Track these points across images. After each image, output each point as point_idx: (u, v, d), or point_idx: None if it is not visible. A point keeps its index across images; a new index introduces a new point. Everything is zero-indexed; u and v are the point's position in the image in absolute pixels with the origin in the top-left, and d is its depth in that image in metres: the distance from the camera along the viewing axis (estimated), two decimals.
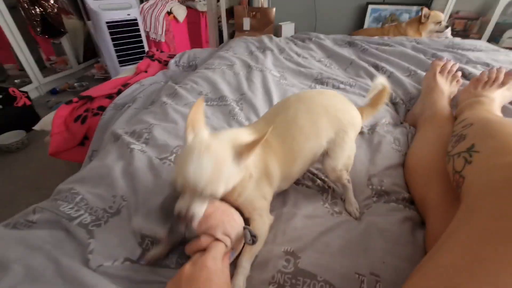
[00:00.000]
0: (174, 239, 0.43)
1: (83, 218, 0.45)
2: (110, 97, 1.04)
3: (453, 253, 0.28)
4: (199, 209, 0.36)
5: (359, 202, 0.56)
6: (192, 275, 0.33)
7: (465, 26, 2.40)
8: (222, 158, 0.36)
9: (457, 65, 0.89)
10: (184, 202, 0.35)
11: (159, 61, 1.36)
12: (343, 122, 0.52)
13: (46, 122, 0.98)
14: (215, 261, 0.35)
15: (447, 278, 0.26)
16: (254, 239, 0.40)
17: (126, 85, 1.10)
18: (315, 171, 0.62)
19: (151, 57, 1.36)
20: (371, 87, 0.58)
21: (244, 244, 0.42)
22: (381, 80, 0.58)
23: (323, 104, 0.51)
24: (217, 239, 0.39)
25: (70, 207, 0.47)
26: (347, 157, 0.53)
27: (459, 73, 0.86)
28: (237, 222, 0.42)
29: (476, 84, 0.76)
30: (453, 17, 2.34)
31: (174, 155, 0.60)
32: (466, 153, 0.43)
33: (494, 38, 2.32)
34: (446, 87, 0.81)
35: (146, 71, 1.23)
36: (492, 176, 0.35)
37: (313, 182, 0.59)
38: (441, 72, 0.85)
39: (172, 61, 1.31)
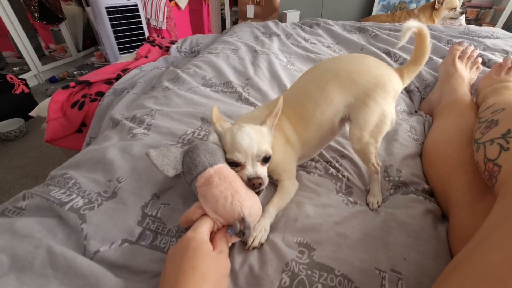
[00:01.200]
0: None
1: (75, 202, 0.42)
2: (109, 82, 0.99)
3: (504, 251, 0.24)
4: (263, 171, 0.43)
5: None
6: (174, 249, 0.34)
7: (478, 15, 2.32)
8: (259, 129, 0.45)
9: (478, 51, 0.83)
10: (249, 169, 0.42)
11: (160, 47, 1.30)
12: (361, 84, 0.47)
13: (42, 108, 0.94)
14: (195, 231, 0.35)
15: (499, 279, 0.23)
16: (242, 233, 0.37)
17: (125, 70, 1.05)
18: (329, 158, 0.58)
19: (152, 42, 1.31)
20: (401, 32, 0.49)
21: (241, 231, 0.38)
22: (413, 23, 0.47)
23: (334, 68, 0.50)
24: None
25: (62, 192, 0.43)
26: (375, 124, 0.47)
27: (480, 59, 0.81)
28: (243, 205, 0.39)
29: (499, 70, 0.71)
30: (465, 5, 2.25)
31: (180, 144, 0.56)
32: (501, 139, 0.39)
33: (508, 27, 2.23)
34: (466, 73, 0.76)
35: (146, 57, 1.18)
36: None
37: (325, 171, 0.55)
38: (461, 57, 0.79)
39: (173, 47, 1.25)
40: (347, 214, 0.46)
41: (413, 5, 2.36)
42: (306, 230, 0.43)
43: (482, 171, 0.40)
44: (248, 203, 0.39)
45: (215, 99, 0.72)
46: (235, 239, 0.39)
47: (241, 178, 0.42)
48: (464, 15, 1.62)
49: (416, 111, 0.80)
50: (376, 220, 0.46)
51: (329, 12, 2.54)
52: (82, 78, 0.98)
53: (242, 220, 0.37)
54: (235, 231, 0.36)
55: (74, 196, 0.43)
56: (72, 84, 0.94)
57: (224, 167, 0.41)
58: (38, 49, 2.50)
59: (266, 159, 0.43)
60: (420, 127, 0.69)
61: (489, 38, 1.17)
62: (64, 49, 2.61)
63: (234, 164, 0.42)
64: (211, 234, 0.38)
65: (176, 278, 0.30)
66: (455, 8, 1.56)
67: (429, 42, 0.50)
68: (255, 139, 0.42)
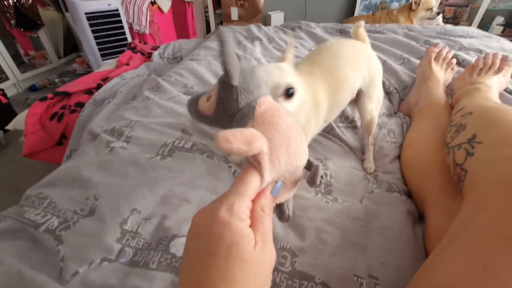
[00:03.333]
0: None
1: (50, 223, 0.41)
2: (89, 92, 0.97)
3: (459, 260, 0.25)
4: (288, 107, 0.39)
5: (359, 194, 0.52)
6: (195, 231, 0.22)
7: (455, 13, 2.39)
8: (277, 65, 0.41)
9: (452, 52, 0.86)
10: None
11: (142, 53, 1.29)
12: (373, 65, 0.59)
13: (19, 121, 0.92)
14: (231, 212, 0.21)
15: None
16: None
17: (106, 79, 1.03)
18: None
19: (133, 49, 1.29)
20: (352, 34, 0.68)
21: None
22: (358, 23, 0.66)
23: (360, 48, 0.59)
24: (253, 164, 0.24)
25: (37, 213, 0.42)
26: (378, 98, 0.61)
27: (454, 60, 0.84)
28: (300, 152, 0.26)
29: (472, 71, 0.73)
30: (443, 4, 2.32)
31: (160, 156, 0.55)
32: (467, 144, 0.40)
33: (484, 25, 2.31)
34: (442, 75, 0.79)
35: (128, 64, 1.16)
36: (498, 169, 0.32)
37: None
38: (436, 59, 0.82)
39: (155, 53, 1.24)
40: (327, 217, 0.47)
41: (395, 4, 2.42)
42: (288, 232, 0.43)
43: (452, 174, 0.42)
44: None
45: None
46: (279, 199, 0.27)
47: None
48: (441, 15, 1.67)
49: (395, 112, 0.82)
50: (357, 224, 0.47)
51: (313, 13, 2.56)
52: (60, 89, 0.96)
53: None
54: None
55: (49, 216, 0.42)
56: (50, 95, 0.92)
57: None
58: (16, 57, 2.42)
59: (289, 93, 0.39)
60: (398, 129, 0.71)
61: (465, 37, 1.21)
62: (44, 56, 2.53)
63: None
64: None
65: None
66: (431, 9, 1.61)
67: (364, 33, 0.67)
68: (273, 72, 0.39)
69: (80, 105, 0.92)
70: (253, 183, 0.23)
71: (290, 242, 0.42)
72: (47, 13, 2.47)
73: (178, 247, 0.39)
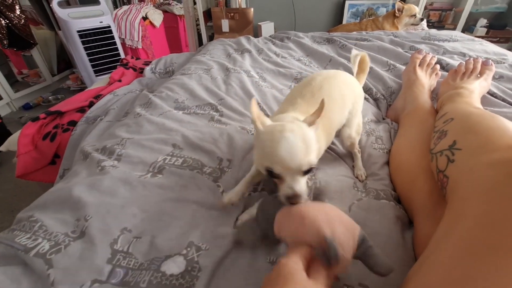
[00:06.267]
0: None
1: (41, 247, 0.41)
2: (82, 110, 0.98)
3: (440, 270, 0.26)
4: (302, 185, 0.38)
5: (348, 202, 0.53)
6: (268, 276, 0.29)
7: (440, 17, 2.46)
8: (304, 133, 0.38)
9: (436, 58, 0.88)
10: (288, 185, 0.37)
11: (134, 69, 1.30)
12: (356, 93, 0.62)
13: (12, 142, 0.92)
14: (288, 257, 0.30)
15: None
16: (328, 257, 0.29)
17: (98, 96, 1.04)
18: None
19: (125, 65, 1.30)
20: (351, 61, 0.69)
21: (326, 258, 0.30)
22: (355, 52, 0.69)
23: (343, 80, 0.61)
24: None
25: (27, 237, 0.42)
26: (357, 124, 0.63)
27: (438, 66, 0.86)
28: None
29: (455, 76, 0.76)
30: (428, 8, 2.39)
31: (151, 173, 0.56)
32: (448, 151, 0.41)
33: (469, 28, 2.38)
34: (426, 80, 0.81)
35: (120, 80, 1.17)
36: (476, 176, 0.33)
37: None
38: (421, 65, 0.84)
39: (147, 68, 1.26)
40: None
41: (383, 10, 2.48)
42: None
43: (436, 180, 0.43)
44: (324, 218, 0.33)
45: (187, 122, 0.73)
46: (340, 270, 0.32)
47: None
48: (425, 21, 1.72)
49: (383, 118, 0.84)
50: None
51: (302, 22, 2.62)
52: (53, 109, 0.96)
53: (325, 240, 0.30)
54: (319, 255, 0.30)
55: (40, 240, 0.42)
56: (42, 115, 0.93)
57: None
58: (10, 76, 2.43)
59: (308, 170, 0.38)
60: (386, 135, 0.72)
61: (448, 41, 1.24)
62: (37, 74, 2.54)
63: (272, 173, 0.38)
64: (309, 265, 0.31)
65: None
66: (415, 15, 1.65)
67: (368, 61, 0.72)
68: (300, 150, 0.36)
69: (73, 123, 0.92)
70: (300, 247, 0.32)
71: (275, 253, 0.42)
72: (40, 32, 2.50)
73: (169, 265, 0.39)
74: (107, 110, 0.91)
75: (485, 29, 2.28)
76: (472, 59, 0.77)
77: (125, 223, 0.44)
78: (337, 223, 0.32)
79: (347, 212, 0.51)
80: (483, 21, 2.27)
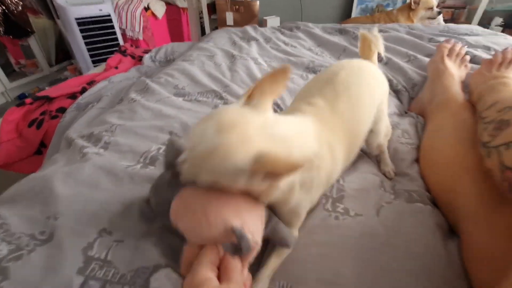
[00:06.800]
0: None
1: None
2: (73, 97, 0.90)
3: None
4: None
5: (373, 205, 0.44)
6: None
7: (453, 15, 2.37)
8: (226, 153, 0.25)
9: (466, 48, 0.80)
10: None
11: (133, 57, 1.22)
12: (384, 90, 0.51)
13: None
14: (192, 274, 0.26)
15: None
16: (238, 249, 0.26)
17: (92, 82, 0.96)
18: None
19: (123, 52, 1.22)
20: (360, 38, 0.57)
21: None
22: (362, 31, 0.57)
23: (372, 74, 0.49)
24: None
25: None
26: (386, 126, 0.52)
27: (468, 57, 0.78)
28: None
29: (489, 66, 0.67)
30: (440, 6, 2.30)
31: (141, 164, 0.47)
32: None
33: (483, 26, 2.28)
34: (456, 71, 0.73)
35: (117, 68, 1.09)
36: None
37: None
38: (449, 55, 0.76)
39: (147, 56, 1.17)
40: (337, 239, 0.39)
41: (391, 8, 2.39)
42: (287, 265, 0.35)
43: (498, 180, 0.34)
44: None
45: (187, 109, 0.64)
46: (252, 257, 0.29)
47: None
48: (441, 15, 1.64)
49: (406, 112, 0.75)
50: (376, 241, 0.39)
51: (309, 18, 2.53)
52: (41, 93, 0.88)
53: (232, 232, 0.26)
54: (229, 250, 0.27)
55: None
56: (28, 100, 0.84)
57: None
58: (7, 66, 2.35)
59: None
60: (413, 129, 0.64)
61: (469, 35, 1.16)
62: (35, 64, 2.46)
63: None
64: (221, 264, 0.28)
65: None
66: (432, 8, 1.57)
67: (380, 39, 0.57)
68: (205, 143, 0.27)
69: (62, 110, 0.84)
70: (206, 252, 0.28)
71: (289, 279, 0.34)
72: (39, 21, 2.42)
73: (161, 281, 0.30)
74: (100, 97, 0.83)
75: (500, 28, 2.19)
76: (510, 48, 0.68)
77: (104, 223, 0.35)
78: (244, 208, 0.28)
79: (375, 217, 0.42)
80: (498, 20, 2.18)
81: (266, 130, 0.28)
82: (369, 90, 0.46)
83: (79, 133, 0.58)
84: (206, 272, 0.26)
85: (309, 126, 0.36)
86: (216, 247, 0.28)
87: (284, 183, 0.30)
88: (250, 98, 0.31)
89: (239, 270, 0.27)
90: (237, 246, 0.26)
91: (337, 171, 0.39)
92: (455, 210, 0.42)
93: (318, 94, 0.43)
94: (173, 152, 0.31)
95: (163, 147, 0.51)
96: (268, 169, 0.24)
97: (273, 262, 0.34)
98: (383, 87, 0.51)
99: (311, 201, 0.38)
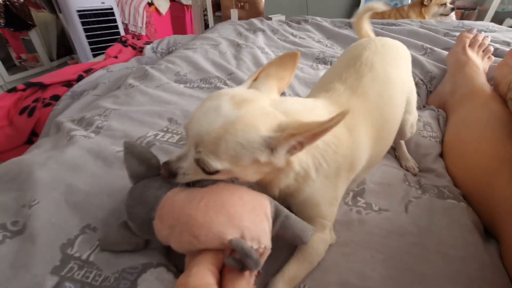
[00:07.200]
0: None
1: None
2: (69, 85, 0.85)
3: None
4: (188, 165, 0.26)
5: (400, 200, 0.39)
6: None
7: (462, 16, 2.32)
8: (249, 124, 0.24)
9: (489, 38, 0.75)
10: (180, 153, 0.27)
11: (133, 47, 1.17)
12: (410, 74, 0.47)
13: None
14: (187, 276, 0.22)
15: None
16: (242, 264, 0.22)
17: (89, 71, 0.91)
18: None
19: (124, 42, 1.18)
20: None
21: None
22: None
23: (402, 54, 0.45)
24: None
25: None
26: (415, 117, 0.48)
27: (491, 48, 0.73)
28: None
29: None
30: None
31: None
32: None
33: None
34: (480, 62, 0.67)
35: (116, 57, 1.04)
36: None
37: None
38: (471, 45, 0.70)
39: (148, 47, 1.12)
40: (361, 237, 0.33)
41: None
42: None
43: None
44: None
45: (188, 95, 0.59)
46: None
47: None
48: (454, 12, 1.59)
49: (424, 106, 0.70)
50: (405, 241, 0.33)
51: (314, 16, 2.49)
52: (34, 80, 0.83)
53: (231, 244, 0.23)
54: (232, 265, 0.23)
55: None
56: (20, 86, 0.79)
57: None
58: (8, 60, 2.32)
59: (207, 171, 0.27)
60: (435, 122, 0.58)
61: (485, 31, 1.11)
62: (36, 59, 2.43)
63: None
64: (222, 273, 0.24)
65: None
66: (445, 4, 1.52)
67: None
68: (214, 123, 0.25)
69: (56, 98, 0.79)
70: (205, 255, 0.24)
71: (309, 281, 0.28)
72: (41, 15, 2.38)
73: (151, 283, 0.25)
74: (97, 85, 0.78)
75: None
76: None
77: (88, 218, 0.29)
78: (242, 211, 0.25)
79: (403, 213, 0.37)
80: (509, 21, 2.13)
81: (278, 106, 0.28)
82: (399, 72, 0.41)
83: (70, 118, 0.52)
84: (204, 276, 0.22)
85: (319, 106, 0.33)
86: (218, 255, 0.24)
87: (298, 162, 0.28)
88: (255, 82, 0.31)
89: (246, 279, 0.23)
90: (242, 262, 0.22)
91: (362, 157, 0.34)
92: (491, 207, 0.37)
93: (337, 80, 0.38)
94: (134, 160, 0.28)
95: (161, 134, 0.46)
96: (297, 132, 0.23)
97: (291, 269, 0.28)
98: (410, 66, 0.47)
99: (334, 190, 0.32)
